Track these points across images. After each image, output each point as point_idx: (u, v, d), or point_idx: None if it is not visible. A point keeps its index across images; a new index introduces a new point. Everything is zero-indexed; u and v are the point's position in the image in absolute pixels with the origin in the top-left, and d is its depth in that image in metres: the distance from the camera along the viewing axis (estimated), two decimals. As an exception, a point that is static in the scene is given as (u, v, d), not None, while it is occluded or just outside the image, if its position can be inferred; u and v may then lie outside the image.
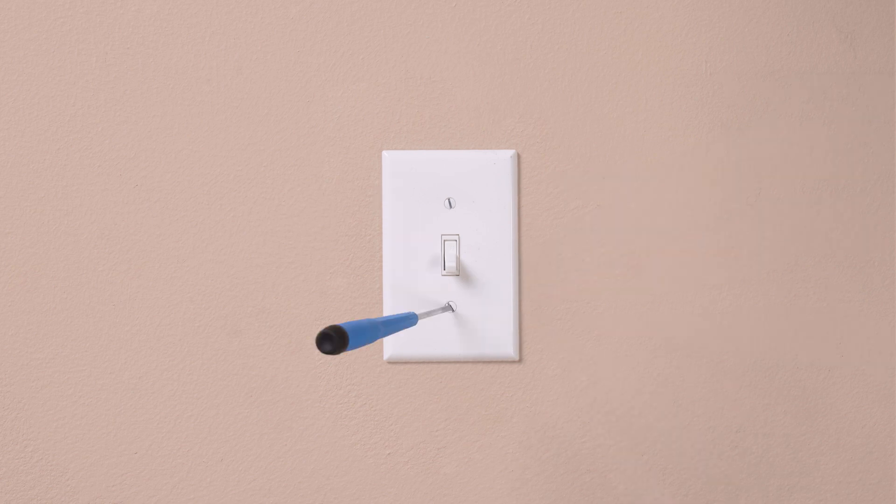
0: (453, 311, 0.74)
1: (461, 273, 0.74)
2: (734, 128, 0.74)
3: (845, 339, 0.74)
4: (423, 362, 0.74)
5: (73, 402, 0.74)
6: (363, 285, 0.74)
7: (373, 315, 0.74)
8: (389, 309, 0.74)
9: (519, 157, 0.74)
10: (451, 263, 0.73)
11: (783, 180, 0.74)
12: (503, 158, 0.73)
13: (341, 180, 0.74)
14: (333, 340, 0.41)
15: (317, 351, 0.74)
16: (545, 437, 0.74)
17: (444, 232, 0.74)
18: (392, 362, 0.74)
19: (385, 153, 0.73)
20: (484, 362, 0.75)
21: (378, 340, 0.74)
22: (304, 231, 0.74)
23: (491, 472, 0.74)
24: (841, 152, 0.74)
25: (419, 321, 0.72)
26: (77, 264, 0.73)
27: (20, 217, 0.73)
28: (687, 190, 0.74)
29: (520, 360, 0.75)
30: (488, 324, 0.74)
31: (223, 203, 0.74)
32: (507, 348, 0.74)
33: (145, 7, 0.72)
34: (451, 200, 0.74)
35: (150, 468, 0.74)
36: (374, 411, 0.74)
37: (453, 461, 0.74)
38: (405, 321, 0.58)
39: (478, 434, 0.74)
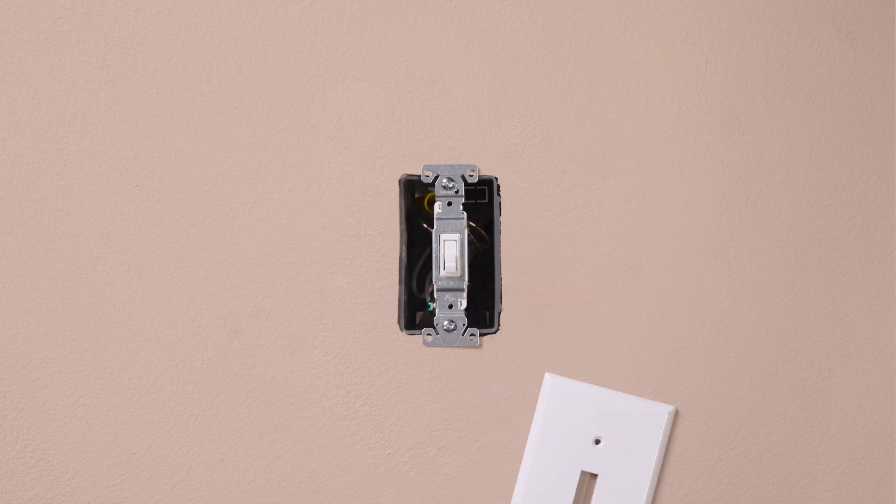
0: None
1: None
2: (734, 128, 0.74)
3: (845, 339, 0.74)
4: (423, 361, 0.74)
5: (73, 402, 0.74)
6: (363, 285, 0.74)
7: (372, 315, 0.74)
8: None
9: (519, 157, 0.74)
10: (450, 263, 0.73)
11: (783, 180, 0.74)
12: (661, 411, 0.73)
13: (341, 180, 0.74)
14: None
15: (317, 351, 0.74)
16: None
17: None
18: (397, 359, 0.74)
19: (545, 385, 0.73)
20: (484, 361, 0.74)
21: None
22: (304, 231, 0.74)
23: (491, 472, 0.74)
24: (841, 152, 0.74)
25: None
26: (77, 264, 0.73)
27: (20, 217, 0.73)
28: (687, 190, 0.74)
29: (520, 360, 0.74)
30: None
31: (223, 203, 0.74)
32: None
33: (145, 7, 0.72)
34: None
35: (150, 468, 0.74)
36: (374, 411, 0.74)
37: (453, 461, 0.74)
38: None
39: (478, 434, 0.74)
